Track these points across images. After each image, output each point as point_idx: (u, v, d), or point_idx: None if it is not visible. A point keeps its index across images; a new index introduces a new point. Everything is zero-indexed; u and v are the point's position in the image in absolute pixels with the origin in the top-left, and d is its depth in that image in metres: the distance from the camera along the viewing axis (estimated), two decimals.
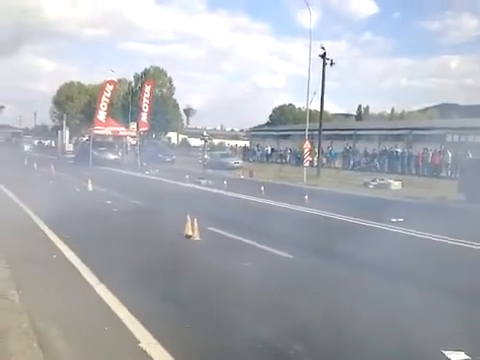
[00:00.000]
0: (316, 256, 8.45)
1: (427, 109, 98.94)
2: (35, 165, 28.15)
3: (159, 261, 7.64)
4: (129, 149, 40.11)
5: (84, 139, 40.68)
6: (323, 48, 28.39)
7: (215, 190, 19.88)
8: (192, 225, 9.57)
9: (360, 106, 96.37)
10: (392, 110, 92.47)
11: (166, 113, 64.47)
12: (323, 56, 28.17)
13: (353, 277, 7.15)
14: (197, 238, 9.41)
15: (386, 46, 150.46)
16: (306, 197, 16.14)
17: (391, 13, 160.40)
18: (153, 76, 64.63)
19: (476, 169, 17.93)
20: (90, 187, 18.22)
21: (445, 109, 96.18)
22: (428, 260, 8.48)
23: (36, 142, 64.11)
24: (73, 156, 39.35)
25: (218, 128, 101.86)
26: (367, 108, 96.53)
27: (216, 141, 62.30)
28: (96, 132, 34.91)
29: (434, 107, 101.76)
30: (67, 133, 48.64)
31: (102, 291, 6.03)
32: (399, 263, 7.99)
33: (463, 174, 19.13)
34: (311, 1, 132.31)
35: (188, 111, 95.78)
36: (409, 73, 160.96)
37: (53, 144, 53.12)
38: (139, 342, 4.52)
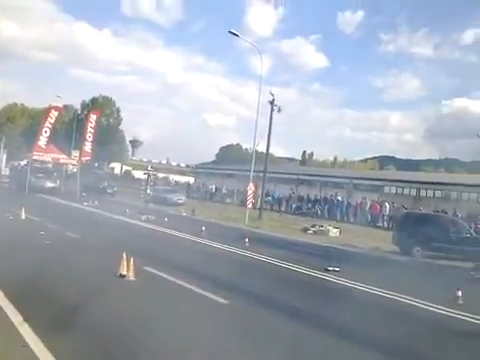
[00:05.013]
0: (250, 303, 8.38)
1: (368, 160, 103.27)
2: None
3: (89, 302, 7.30)
4: (69, 177, 38.87)
5: (22, 164, 39.08)
6: (272, 94, 29.23)
7: (155, 227, 19.51)
8: (128, 264, 9.29)
9: (305, 152, 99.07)
10: (335, 158, 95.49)
11: (111, 143, 63.28)
12: (271, 102, 28.95)
13: (284, 328, 7.11)
14: (132, 278, 9.13)
15: (332, 97, 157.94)
16: (246, 240, 16.17)
17: (339, 67, 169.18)
18: (101, 105, 63.76)
19: (410, 222, 18.71)
20: (23, 215, 17.45)
21: (384, 161, 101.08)
22: (360, 312, 8.60)
23: None
24: (8, 181, 37.68)
25: (164, 162, 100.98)
26: (311, 154, 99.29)
27: (161, 175, 61.67)
28: (35, 157, 33.69)
29: (374, 158, 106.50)
30: (4, 156, 46.66)
31: (25, 331, 5.71)
32: (329, 314, 8.07)
33: (398, 226, 19.86)
34: (264, 48, 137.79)
35: (134, 142, 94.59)
36: (352, 124, 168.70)
37: None
38: None
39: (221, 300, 8.23)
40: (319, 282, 11.21)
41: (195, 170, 66.72)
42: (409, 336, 7.31)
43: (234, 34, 27.81)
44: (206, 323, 6.87)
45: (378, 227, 29.08)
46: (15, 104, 77.78)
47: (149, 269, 10.20)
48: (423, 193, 38.43)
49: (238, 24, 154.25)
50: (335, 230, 23.58)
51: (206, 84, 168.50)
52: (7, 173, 42.28)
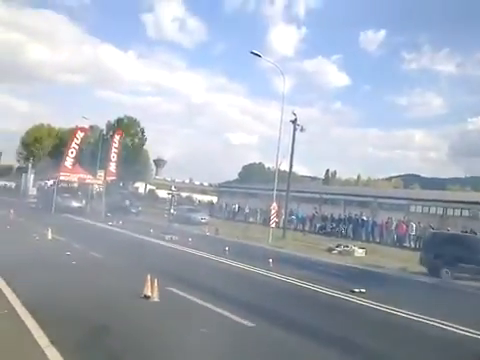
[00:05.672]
0: (277, 326, 8.20)
1: (392, 178, 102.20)
2: None
3: (116, 323, 7.32)
4: (94, 197, 39.42)
5: (48, 184, 39.82)
6: (294, 114, 29.25)
7: (179, 247, 19.51)
8: (152, 285, 9.27)
9: (328, 170, 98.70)
10: (358, 177, 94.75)
11: (136, 163, 64.01)
12: (294, 122, 28.96)
13: (314, 354, 6.96)
14: (156, 299, 9.09)
15: (355, 116, 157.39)
16: (270, 260, 16.03)
17: (361, 86, 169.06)
18: (126, 126, 64.75)
19: (437, 242, 18.30)
20: (50, 235, 17.70)
21: (409, 179, 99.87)
22: (390, 336, 8.39)
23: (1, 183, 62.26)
24: (35, 200, 38.37)
25: (187, 181, 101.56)
26: (334, 173, 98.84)
27: (184, 194, 62.00)
28: (61, 178, 34.33)
29: (399, 176, 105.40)
30: (32, 176, 47.60)
31: (52, 354, 5.67)
32: (358, 338, 7.88)
33: (425, 247, 19.44)
34: (287, 68, 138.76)
35: (158, 162, 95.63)
36: (376, 142, 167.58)
37: (21, 187, 51.62)
38: None
39: (247, 323, 8.09)
40: (345, 304, 10.97)
41: (218, 189, 66.80)
42: None
43: (256, 55, 28.01)
44: (234, 347, 6.76)
45: (404, 247, 28.60)
46: (42, 125, 79.57)
47: (173, 290, 10.17)
48: (450, 212, 37.63)
49: (260, 44, 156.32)
50: (361, 250, 23.24)
51: (229, 104, 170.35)
52: (34, 193, 43.07)
